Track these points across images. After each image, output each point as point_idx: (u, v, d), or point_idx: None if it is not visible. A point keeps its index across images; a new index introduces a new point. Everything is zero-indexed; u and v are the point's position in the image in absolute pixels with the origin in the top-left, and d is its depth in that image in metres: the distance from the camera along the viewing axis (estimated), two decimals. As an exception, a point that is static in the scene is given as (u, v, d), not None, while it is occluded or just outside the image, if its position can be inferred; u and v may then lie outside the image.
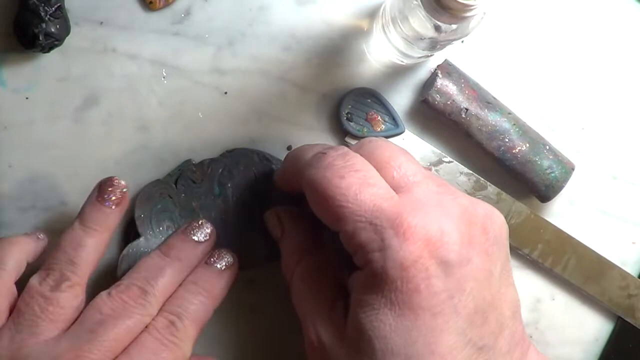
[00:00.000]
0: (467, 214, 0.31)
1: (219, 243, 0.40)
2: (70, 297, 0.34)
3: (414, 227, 0.29)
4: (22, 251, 0.36)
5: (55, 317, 0.33)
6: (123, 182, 0.36)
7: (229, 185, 0.40)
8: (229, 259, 0.37)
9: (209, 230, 0.37)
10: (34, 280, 0.34)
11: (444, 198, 0.31)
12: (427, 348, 0.29)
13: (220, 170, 0.40)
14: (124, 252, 0.39)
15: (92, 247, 0.35)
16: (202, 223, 0.37)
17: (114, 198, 0.36)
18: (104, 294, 0.35)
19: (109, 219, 0.36)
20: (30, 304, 0.33)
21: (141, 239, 0.39)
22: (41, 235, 0.38)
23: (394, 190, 0.31)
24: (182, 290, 0.36)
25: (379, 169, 0.32)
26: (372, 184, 0.31)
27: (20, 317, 0.33)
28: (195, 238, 0.37)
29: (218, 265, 0.37)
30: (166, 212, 0.40)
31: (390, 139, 0.41)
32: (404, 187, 0.32)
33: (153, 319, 0.34)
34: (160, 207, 0.40)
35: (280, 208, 0.38)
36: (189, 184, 0.40)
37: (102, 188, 0.36)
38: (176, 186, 0.40)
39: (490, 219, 0.32)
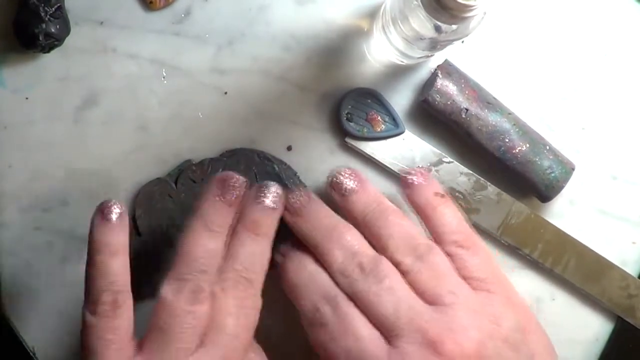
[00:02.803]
0: None
1: None
2: (207, 308, 0.33)
3: None
4: None
5: (197, 331, 0.32)
6: (242, 178, 0.35)
7: None
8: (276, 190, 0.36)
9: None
10: (167, 294, 0.32)
11: None
12: None
13: (220, 170, 0.40)
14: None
15: (219, 251, 0.34)
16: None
17: (235, 196, 0.34)
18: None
19: (230, 218, 0.35)
20: (170, 322, 0.32)
21: (141, 237, 0.39)
22: None
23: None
24: (241, 247, 0.34)
25: None
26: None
27: (162, 335, 0.32)
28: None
29: (270, 204, 0.36)
30: (166, 211, 0.40)
31: (390, 139, 0.41)
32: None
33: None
34: (160, 206, 0.40)
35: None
36: (189, 184, 0.40)
37: (224, 185, 0.34)
38: (176, 185, 0.40)
39: None
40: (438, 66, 0.41)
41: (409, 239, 0.35)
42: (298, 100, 0.42)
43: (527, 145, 0.40)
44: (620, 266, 0.42)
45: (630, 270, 0.43)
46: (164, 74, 0.42)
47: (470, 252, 0.36)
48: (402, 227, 0.36)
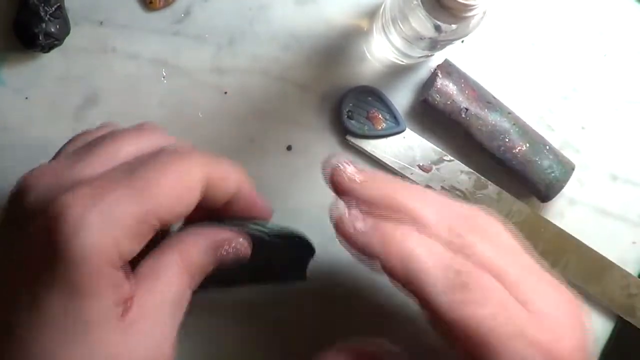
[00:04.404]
0: None
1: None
2: None
3: None
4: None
5: None
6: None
7: None
8: None
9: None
10: None
11: None
12: None
13: None
14: None
15: None
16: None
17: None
18: None
19: None
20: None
21: None
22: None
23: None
24: None
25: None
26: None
27: None
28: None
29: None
30: None
31: (391, 137, 0.41)
32: None
33: None
34: None
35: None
36: None
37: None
38: None
39: None
40: (438, 66, 0.41)
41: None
42: (298, 99, 0.42)
43: (527, 144, 0.40)
44: (621, 266, 0.42)
45: (631, 269, 0.43)
46: (164, 74, 0.42)
47: None
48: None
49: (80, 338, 0.24)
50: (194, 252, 0.29)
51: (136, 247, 0.26)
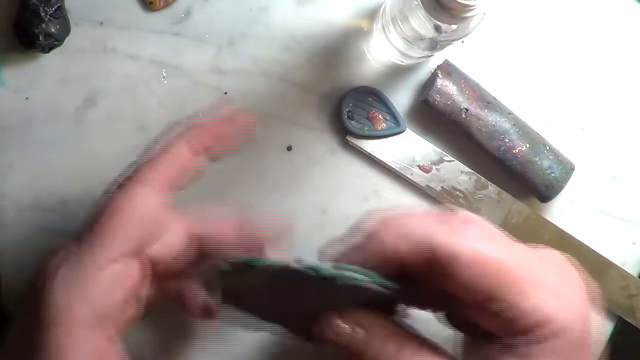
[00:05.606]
0: None
1: None
2: None
3: None
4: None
5: None
6: None
7: None
8: None
9: None
10: None
11: None
12: None
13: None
14: None
15: None
16: None
17: None
18: None
19: None
20: None
21: None
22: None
23: None
24: None
25: None
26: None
27: None
28: None
29: None
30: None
31: (391, 138, 0.41)
32: None
33: None
34: None
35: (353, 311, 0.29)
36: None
37: None
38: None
39: None
40: (438, 66, 0.41)
41: None
42: (298, 100, 0.42)
43: (527, 145, 0.40)
44: (620, 266, 0.42)
45: (630, 270, 0.43)
46: (164, 74, 0.42)
47: None
48: None
49: None
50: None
51: (114, 294, 0.26)
